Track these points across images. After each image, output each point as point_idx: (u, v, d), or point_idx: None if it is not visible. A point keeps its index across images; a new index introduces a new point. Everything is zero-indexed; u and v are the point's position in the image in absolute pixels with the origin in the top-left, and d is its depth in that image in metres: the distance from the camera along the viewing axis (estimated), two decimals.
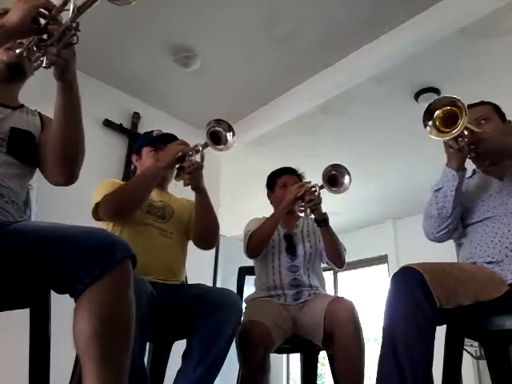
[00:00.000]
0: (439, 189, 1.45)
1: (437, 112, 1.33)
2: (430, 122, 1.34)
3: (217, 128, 1.64)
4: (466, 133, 1.35)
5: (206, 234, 1.78)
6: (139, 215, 1.68)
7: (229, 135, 1.64)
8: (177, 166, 1.67)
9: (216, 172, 3.65)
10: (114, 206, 1.59)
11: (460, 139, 1.36)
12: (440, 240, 1.51)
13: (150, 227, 1.69)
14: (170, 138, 1.82)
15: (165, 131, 1.90)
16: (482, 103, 1.57)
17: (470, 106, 1.56)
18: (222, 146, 1.63)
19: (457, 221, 1.47)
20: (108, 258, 0.90)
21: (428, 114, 1.34)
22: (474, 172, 1.62)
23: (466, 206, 1.50)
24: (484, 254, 1.38)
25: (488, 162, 1.49)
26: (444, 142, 1.40)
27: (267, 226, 1.99)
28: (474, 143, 1.37)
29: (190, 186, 1.69)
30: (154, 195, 1.75)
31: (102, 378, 0.83)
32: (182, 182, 1.70)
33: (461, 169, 1.41)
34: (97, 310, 0.87)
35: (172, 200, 1.85)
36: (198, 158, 1.66)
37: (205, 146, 1.63)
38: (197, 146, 1.64)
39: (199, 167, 1.65)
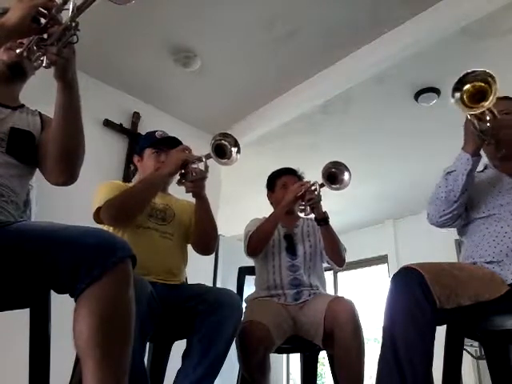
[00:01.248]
0: (451, 172, 1.43)
1: (467, 85, 1.29)
2: (458, 94, 1.28)
3: (223, 141, 1.65)
4: (488, 118, 1.32)
5: (205, 239, 1.78)
6: (141, 218, 1.67)
7: (234, 150, 1.65)
8: (179, 171, 1.68)
9: (216, 172, 3.64)
10: (116, 212, 1.58)
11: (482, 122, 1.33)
12: (442, 225, 1.49)
13: (150, 230, 1.69)
14: (173, 141, 1.82)
15: (165, 131, 1.90)
16: (507, 98, 1.55)
17: None
18: (225, 160, 1.63)
19: (462, 208, 1.46)
20: (108, 258, 0.90)
21: (459, 85, 1.29)
22: (485, 167, 1.61)
23: (473, 199, 1.49)
24: (485, 253, 1.38)
25: (503, 152, 1.45)
26: (467, 121, 1.36)
27: (267, 225, 1.99)
28: (495, 128, 1.34)
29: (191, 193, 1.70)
30: (156, 197, 1.74)
31: (101, 378, 0.83)
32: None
33: (476, 154, 1.39)
34: (97, 309, 0.87)
35: (173, 202, 1.85)
36: (202, 166, 1.66)
37: (208, 157, 1.63)
38: (201, 156, 1.65)
39: (203, 177, 1.66)
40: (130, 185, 1.77)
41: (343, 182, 1.95)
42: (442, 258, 1.54)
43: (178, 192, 1.87)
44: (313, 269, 2.04)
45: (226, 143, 1.65)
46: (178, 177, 1.71)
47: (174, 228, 1.76)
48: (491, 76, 1.26)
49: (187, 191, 1.69)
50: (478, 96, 1.27)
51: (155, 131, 1.88)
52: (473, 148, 1.39)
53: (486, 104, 1.23)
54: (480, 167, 1.60)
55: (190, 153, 1.67)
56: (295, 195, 1.97)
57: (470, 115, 1.32)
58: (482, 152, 1.43)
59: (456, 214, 1.45)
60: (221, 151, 1.63)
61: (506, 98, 1.55)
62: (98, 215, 1.60)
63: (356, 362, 1.65)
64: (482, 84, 1.27)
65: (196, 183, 1.66)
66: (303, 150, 3.89)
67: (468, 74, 1.29)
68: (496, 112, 1.33)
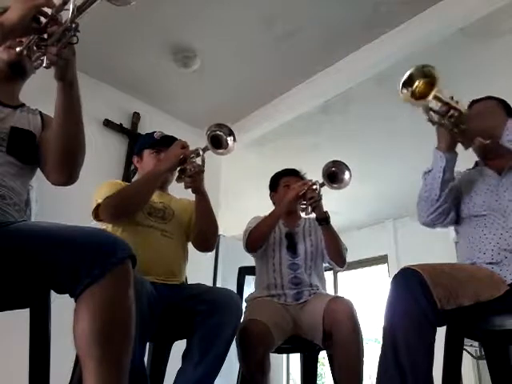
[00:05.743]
0: (428, 171, 1.46)
1: (416, 82, 1.37)
2: (410, 88, 1.37)
3: (217, 132, 1.66)
4: (456, 114, 1.35)
5: (205, 236, 1.79)
6: (140, 217, 1.68)
7: (229, 139, 1.67)
8: (178, 168, 1.68)
9: (216, 172, 3.64)
10: (116, 208, 1.60)
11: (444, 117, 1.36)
12: (431, 224, 1.52)
13: (150, 229, 1.69)
14: (171, 141, 1.82)
15: (164, 131, 1.90)
16: (488, 98, 1.57)
17: (474, 102, 1.57)
18: (222, 150, 1.65)
19: (448, 205, 1.47)
20: (108, 259, 0.90)
21: (408, 82, 1.38)
22: (476, 164, 1.62)
23: (463, 196, 1.51)
24: (483, 255, 1.38)
25: (477, 141, 1.42)
26: (428, 117, 1.39)
27: (267, 221, 2.01)
28: (460, 121, 1.36)
29: (190, 189, 1.71)
30: (155, 196, 1.75)
31: (102, 378, 0.83)
32: (182, 184, 1.71)
33: (449, 150, 1.41)
34: (97, 310, 0.87)
35: (173, 201, 1.86)
36: (199, 160, 1.67)
37: (205, 149, 1.64)
38: (197, 149, 1.66)
39: (200, 171, 1.67)
40: None
41: (343, 181, 1.97)
42: (442, 258, 1.54)
43: (177, 192, 1.87)
44: (313, 268, 2.05)
45: (222, 133, 1.67)
46: (176, 173, 1.72)
47: (174, 227, 1.76)
48: (431, 67, 1.35)
49: (186, 187, 1.69)
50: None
51: (154, 132, 1.89)
52: (445, 145, 1.41)
53: (431, 95, 1.30)
54: (470, 165, 1.61)
55: (188, 148, 1.67)
56: (297, 193, 1.98)
57: (428, 110, 1.36)
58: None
59: (442, 212, 1.47)
60: (217, 142, 1.65)
61: (487, 98, 1.57)
62: (96, 213, 1.61)
63: (355, 361, 1.65)
64: (428, 79, 1.34)
65: (194, 177, 1.67)
66: (303, 149, 3.89)
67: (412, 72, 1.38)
68: (458, 106, 1.35)
